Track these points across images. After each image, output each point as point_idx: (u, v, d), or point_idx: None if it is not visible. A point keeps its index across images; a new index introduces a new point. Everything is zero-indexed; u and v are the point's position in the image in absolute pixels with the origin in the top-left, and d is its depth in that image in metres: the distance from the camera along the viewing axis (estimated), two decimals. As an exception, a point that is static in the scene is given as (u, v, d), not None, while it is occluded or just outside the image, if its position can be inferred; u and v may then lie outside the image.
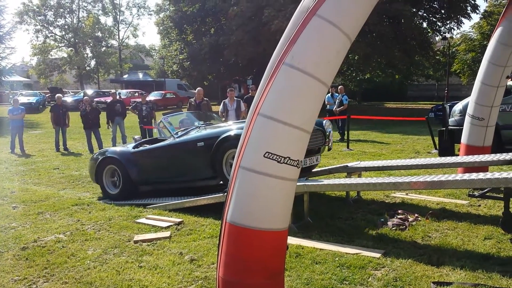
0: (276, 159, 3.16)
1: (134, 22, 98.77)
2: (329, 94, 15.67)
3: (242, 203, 3.23)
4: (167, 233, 5.72)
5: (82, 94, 34.27)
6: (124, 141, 14.67)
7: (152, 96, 34.25)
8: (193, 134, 7.55)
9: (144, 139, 8.97)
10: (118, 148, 8.69)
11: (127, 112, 15.41)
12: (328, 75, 3.24)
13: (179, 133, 7.70)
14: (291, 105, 3.16)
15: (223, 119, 11.53)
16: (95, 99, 29.55)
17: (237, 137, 6.12)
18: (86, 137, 14.30)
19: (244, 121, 6.78)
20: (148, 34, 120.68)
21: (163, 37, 40.46)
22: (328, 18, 3.05)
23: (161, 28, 38.66)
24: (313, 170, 7.71)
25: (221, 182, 7.03)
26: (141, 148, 8.22)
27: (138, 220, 6.42)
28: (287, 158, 3.19)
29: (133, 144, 8.53)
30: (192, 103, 11.84)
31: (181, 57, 34.27)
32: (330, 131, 7.64)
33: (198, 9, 31.47)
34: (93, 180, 8.62)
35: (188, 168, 7.34)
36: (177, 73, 38.03)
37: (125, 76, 56.06)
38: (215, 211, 6.11)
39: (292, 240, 5.21)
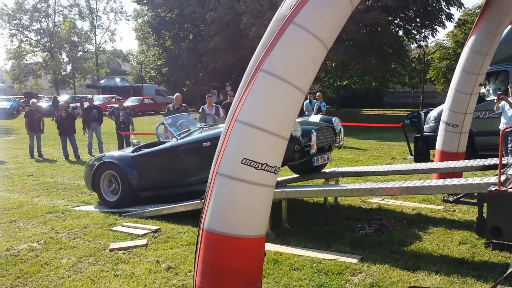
0: (253, 166, 3.17)
1: (112, 27, 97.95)
2: (307, 101, 15.78)
3: (219, 210, 3.22)
4: (143, 241, 5.65)
5: (53, 100, 33.58)
6: (101, 147, 14.46)
7: (130, 102, 33.88)
8: (197, 134, 7.20)
9: (143, 143, 8.45)
10: (116, 153, 8.28)
11: (103, 118, 15.21)
12: (305, 82, 3.26)
13: (182, 135, 7.31)
14: (269, 112, 3.18)
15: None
16: (71, 105, 29.18)
17: None
18: (61, 143, 14.04)
19: None
20: (125, 39, 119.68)
21: (141, 43, 40.19)
22: (305, 26, 3.08)
23: (139, 33, 38.39)
24: (290, 177, 7.71)
25: None
26: (141, 151, 7.81)
27: (113, 228, 6.32)
28: (265, 165, 3.20)
29: (132, 148, 8.12)
30: (170, 109, 11.74)
31: (159, 63, 34.07)
32: (340, 128, 7.44)
33: (177, 15, 31.37)
34: (89, 188, 8.19)
35: (193, 170, 6.93)
36: (155, 78, 37.78)
37: (102, 82, 55.40)
38: (193, 218, 6.06)
39: (270, 247, 5.21)
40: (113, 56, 61.69)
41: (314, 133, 6.55)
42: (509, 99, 8.46)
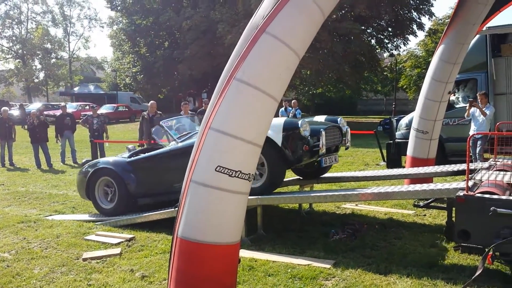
0: (227, 173, 3.20)
1: (86, 34, 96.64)
2: (283, 108, 15.92)
3: (193, 218, 3.24)
4: (117, 250, 5.59)
5: (23, 107, 32.87)
6: (74, 156, 14.24)
7: (104, 109, 33.47)
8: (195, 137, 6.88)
9: (139, 149, 8.08)
10: (111, 158, 7.83)
11: (77, 125, 14.99)
12: (278, 90, 3.32)
13: (182, 138, 6.99)
14: (242, 120, 3.22)
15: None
16: (44, 112, 28.61)
17: None
18: (33, 151, 13.77)
19: None
20: (100, 46, 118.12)
21: (115, 50, 39.77)
22: (277, 35, 3.14)
23: (113, 40, 38.00)
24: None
25: None
26: (139, 156, 7.51)
27: (87, 237, 6.23)
28: (239, 172, 3.24)
29: (128, 154, 7.80)
30: (145, 117, 11.68)
31: (134, 70, 33.78)
32: (347, 128, 7.19)
33: (152, 22, 31.22)
34: (82, 196, 7.86)
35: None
36: (130, 86, 37.41)
37: (76, 89, 54.54)
38: (168, 226, 6.02)
39: (245, 253, 5.23)
40: (87, 63, 60.88)
41: (323, 132, 6.27)
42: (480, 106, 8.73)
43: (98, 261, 5.29)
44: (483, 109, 8.56)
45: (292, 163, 6.10)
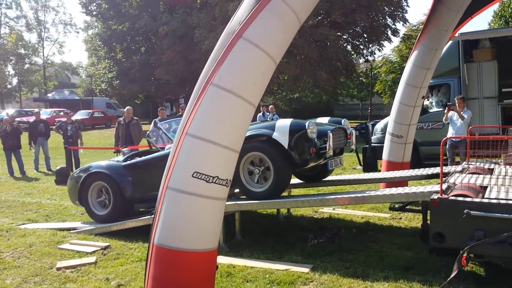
0: (204, 179, 3.18)
1: (60, 39, 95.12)
2: (261, 113, 15.96)
3: (170, 225, 3.20)
4: (92, 258, 5.49)
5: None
6: (48, 163, 13.96)
7: (79, 115, 32.95)
8: None
9: (134, 152, 7.74)
10: (104, 162, 7.41)
11: (50, 132, 14.70)
12: (254, 96, 3.32)
13: None
14: (219, 125, 3.21)
15: (154, 138, 11.33)
16: (17, 119, 27.98)
17: (254, 137, 5.80)
18: (6, 159, 13.44)
19: (254, 123, 6.41)
20: (75, 51, 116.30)
21: (91, 55, 39.26)
22: (253, 41, 3.15)
23: (89, 45, 37.51)
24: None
25: (236, 190, 6.44)
26: (135, 160, 7.24)
27: (61, 246, 6.10)
28: (216, 178, 3.22)
29: (122, 157, 7.53)
30: (121, 123, 11.54)
31: (110, 76, 33.39)
32: (351, 130, 7.01)
33: (128, 28, 30.95)
34: (74, 202, 7.52)
35: None
36: (106, 91, 36.95)
37: (50, 95, 53.54)
38: (144, 233, 5.93)
39: (223, 259, 5.20)
40: (61, 69, 59.86)
41: (331, 134, 6.10)
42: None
43: (73, 270, 5.18)
44: (461, 113, 8.72)
45: (298, 166, 5.91)
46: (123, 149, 8.21)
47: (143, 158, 7.16)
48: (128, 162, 7.17)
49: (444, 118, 9.10)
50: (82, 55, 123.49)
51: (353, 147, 7.04)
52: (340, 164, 6.79)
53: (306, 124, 5.79)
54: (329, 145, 6.04)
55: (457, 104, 8.84)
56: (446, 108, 8.97)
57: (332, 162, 6.44)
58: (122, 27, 31.39)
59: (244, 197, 6.41)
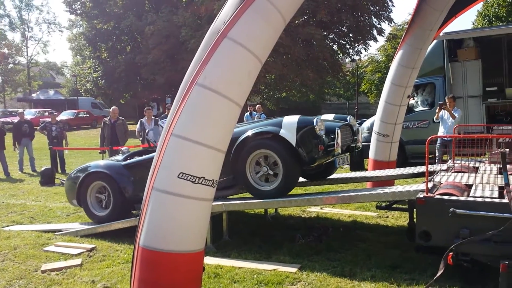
0: (190, 180, 3.15)
1: (44, 39, 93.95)
2: (248, 113, 15.94)
3: (155, 226, 3.16)
4: (78, 261, 5.43)
5: None
6: (32, 164, 13.76)
7: (64, 116, 32.61)
8: None
9: (134, 151, 7.52)
10: (103, 162, 7.28)
11: (35, 132, 14.50)
12: (240, 95, 3.30)
13: None
14: (204, 125, 3.18)
15: (140, 139, 11.26)
16: (0, 119, 27.58)
17: (260, 134, 5.67)
18: (-11, 160, 13.22)
19: (258, 121, 6.29)
20: (59, 50, 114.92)
21: (75, 54, 38.87)
22: (238, 40, 3.13)
23: (73, 44, 37.12)
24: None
25: (241, 191, 6.31)
26: (135, 159, 7.05)
27: (46, 248, 6.02)
28: (202, 178, 3.19)
29: (122, 157, 7.34)
30: (107, 123, 11.45)
31: (95, 75, 33.07)
32: (358, 128, 6.85)
33: (113, 27, 30.68)
34: (72, 203, 7.38)
35: None
36: (91, 91, 36.60)
37: (34, 95, 52.87)
38: (131, 235, 5.89)
39: (210, 260, 5.18)
40: (46, 69, 59.16)
41: (339, 131, 5.94)
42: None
43: (58, 272, 5.11)
44: (452, 112, 8.79)
45: (306, 164, 5.70)
46: (122, 148, 8.06)
47: (143, 157, 7.02)
48: (128, 161, 7.01)
49: (435, 117, 9.14)
50: (66, 54, 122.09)
51: (360, 144, 6.87)
52: (347, 162, 6.57)
53: (314, 120, 5.62)
54: (337, 142, 5.89)
55: (448, 103, 8.90)
56: (438, 107, 9.03)
57: (339, 159, 6.27)
58: (107, 26, 31.10)
59: (231, 197, 6.41)
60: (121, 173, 6.74)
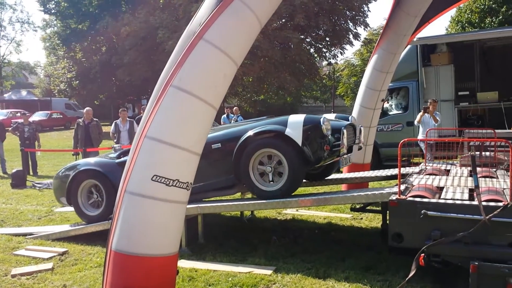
0: (164, 182, 3.12)
1: (17, 38, 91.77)
2: (225, 115, 15.90)
3: (128, 230, 3.12)
4: (49, 265, 5.31)
5: None
6: (3, 166, 13.42)
7: (37, 116, 31.96)
8: None
9: (127, 148, 7.18)
10: (93, 160, 6.94)
11: (6, 134, 14.16)
12: (215, 98, 3.30)
13: None
14: (179, 127, 3.16)
15: (115, 140, 11.11)
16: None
17: (263, 133, 5.52)
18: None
19: (260, 119, 6.14)
20: (32, 50, 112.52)
21: (49, 54, 38.14)
22: (214, 42, 3.12)
23: (47, 44, 36.44)
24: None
25: (241, 190, 6.15)
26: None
27: (16, 252, 5.87)
28: (176, 181, 3.17)
29: (115, 154, 7.02)
30: (80, 124, 11.26)
31: (69, 76, 32.54)
32: (360, 127, 6.76)
33: (88, 27, 30.24)
34: (61, 202, 7.07)
35: (197, 176, 5.99)
36: (65, 92, 35.97)
37: (6, 95, 51.61)
38: (104, 238, 5.79)
39: (185, 264, 5.14)
40: (18, 68, 57.85)
41: (345, 130, 5.82)
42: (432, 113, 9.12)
43: (29, 277, 4.99)
44: (433, 115, 8.95)
45: (312, 164, 5.55)
46: (115, 145, 7.85)
47: None
48: (123, 158, 6.64)
49: (417, 120, 9.24)
50: (40, 54, 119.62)
51: (362, 144, 6.79)
52: (350, 162, 6.48)
53: (321, 120, 5.47)
54: (343, 142, 5.78)
55: (431, 107, 9.04)
56: (422, 111, 9.15)
57: (343, 160, 6.11)
58: (82, 26, 30.65)
59: (206, 199, 6.37)
60: (115, 171, 6.36)
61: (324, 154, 5.47)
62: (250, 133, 5.59)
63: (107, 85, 30.37)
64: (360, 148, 6.81)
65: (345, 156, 6.09)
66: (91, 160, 7.00)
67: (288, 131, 5.35)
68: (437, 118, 8.95)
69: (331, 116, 6.74)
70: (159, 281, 3.19)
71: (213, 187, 6.07)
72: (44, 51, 41.32)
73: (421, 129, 9.26)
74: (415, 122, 9.41)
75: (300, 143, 5.30)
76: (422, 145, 8.96)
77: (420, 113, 9.17)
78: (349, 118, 6.71)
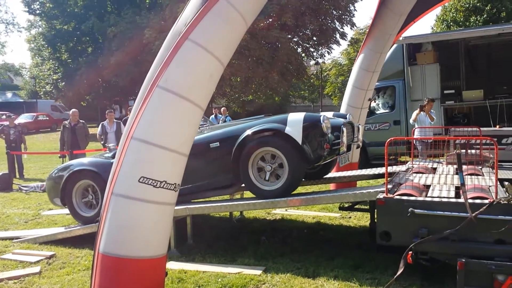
0: (152, 184, 3.10)
1: (2, 39, 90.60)
2: (213, 115, 15.86)
3: (116, 232, 3.10)
4: (36, 268, 5.25)
5: None
6: (-12, 169, 13.26)
7: (22, 119, 31.57)
8: (199, 135, 6.05)
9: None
10: (87, 160, 6.82)
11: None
12: (202, 98, 3.28)
13: None
14: (166, 128, 3.14)
15: (102, 142, 11.02)
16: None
17: (261, 132, 5.45)
18: None
19: (258, 118, 6.07)
20: (17, 51, 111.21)
21: (34, 55, 37.71)
22: (200, 42, 3.11)
23: (32, 45, 36.03)
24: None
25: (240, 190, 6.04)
26: None
27: (3, 256, 5.80)
28: (164, 182, 3.15)
29: (110, 154, 6.87)
30: (67, 126, 11.15)
31: (55, 77, 32.21)
32: (359, 125, 6.73)
33: (74, 28, 29.96)
34: (54, 202, 6.95)
35: (195, 175, 5.77)
36: (51, 93, 35.59)
37: (-9, 97, 50.97)
38: (92, 241, 5.75)
39: (174, 265, 5.12)
40: (3, 70, 57.13)
41: (344, 129, 5.79)
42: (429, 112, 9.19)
43: (16, 281, 4.94)
44: (429, 113, 9.02)
45: (312, 162, 5.48)
46: (109, 145, 7.73)
47: None
48: None
49: (412, 119, 9.28)
50: (25, 55, 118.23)
51: (360, 143, 6.69)
52: (349, 160, 6.31)
53: (321, 118, 5.42)
54: (342, 140, 5.75)
55: (427, 106, 9.10)
56: (418, 109, 9.20)
57: (342, 158, 6.06)
58: (67, 27, 30.36)
59: (195, 200, 6.34)
60: (110, 171, 6.26)
61: (324, 152, 5.41)
62: (249, 131, 5.51)
63: (94, 86, 30.12)
64: (358, 147, 6.70)
65: (344, 154, 6.05)
66: (85, 160, 6.87)
67: (288, 130, 5.29)
68: (433, 116, 9.03)
69: (329, 114, 6.68)
70: (148, 283, 3.17)
71: (211, 187, 6.00)
72: (29, 52, 40.78)
73: (417, 127, 9.29)
74: (411, 121, 9.47)
75: (300, 141, 5.24)
76: (418, 143, 8.96)
77: (416, 111, 9.23)
78: (347, 116, 6.66)
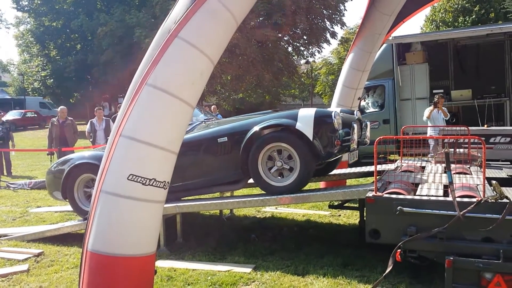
0: (141, 182, 3.09)
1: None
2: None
3: (104, 230, 3.08)
4: (24, 266, 5.21)
5: None
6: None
7: (11, 116, 31.21)
8: (207, 129, 6.01)
9: None
10: (88, 153, 6.68)
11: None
12: (192, 96, 3.27)
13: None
14: (155, 126, 3.13)
15: (91, 140, 10.95)
16: None
17: (270, 127, 5.36)
18: None
19: (266, 113, 5.99)
20: (5, 48, 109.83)
21: (22, 52, 37.32)
22: (190, 40, 3.10)
23: (20, 42, 35.64)
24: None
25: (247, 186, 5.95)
26: None
27: (-11, 255, 5.74)
28: (153, 180, 3.14)
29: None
30: (55, 123, 11.06)
31: (43, 74, 31.90)
32: (366, 122, 6.64)
33: (63, 25, 29.69)
34: (54, 196, 6.85)
35: (201, 171, 5.78)
36: (39, 90, 35.25)
37: (-22, 94, 50.34)
38: (80, 239, 5.71)
39: (164, 263, 5.10)
40: (-10, 67, 56.52)
41: (355, 125, 5.72)
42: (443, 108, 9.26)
43: (3, 279, 4.89)
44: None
45: (322, 159, 5.40)
46: (109, 138, 7.64)
47: None
48: None
49: (426, 116, 9.30)
50: (13, 52, 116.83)
51: (368, 140, 6.61)
52: (356, 157, 6.32)
53: (332, 114, 5.32)
54: (353, 136, 5.66)
55: (439, 102, 9.13)
56: (432, 106, 9.22)
57: (351, 155, 5.98)
58: (56, 24, 30.09)
59: (186, 198, 6.32)
60: None
61: (335, 149, 5.31)
62: (259, 127, 5.42)
63: (83, 83, 29.90)
64: (365, 144, 6.63)
65: (354, 151, 5.98)
66: (86, 153, 6.74)
67: (298, 125, 5.22)
68: (446, 112, 9.07)
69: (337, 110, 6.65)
70: (137, 281, 3.16)
71: (218, 182, 5.87)
72: (17, 49, 40.34)
73: (430, 125, 9.28)
74: (424, 118, 9.48)
75: (311, 137, 5.17)
76: (431, 142, 8.84)
77: (430, 108, 9.26)
78: (355, 112, 6.55)
